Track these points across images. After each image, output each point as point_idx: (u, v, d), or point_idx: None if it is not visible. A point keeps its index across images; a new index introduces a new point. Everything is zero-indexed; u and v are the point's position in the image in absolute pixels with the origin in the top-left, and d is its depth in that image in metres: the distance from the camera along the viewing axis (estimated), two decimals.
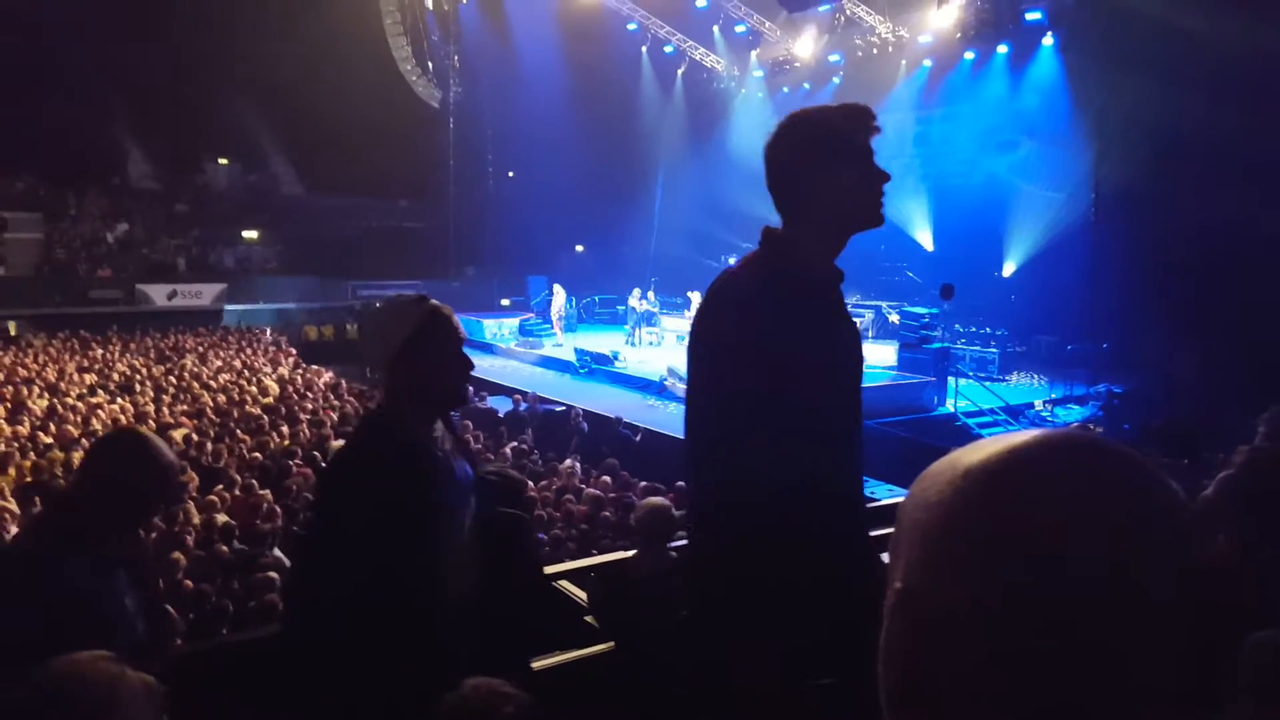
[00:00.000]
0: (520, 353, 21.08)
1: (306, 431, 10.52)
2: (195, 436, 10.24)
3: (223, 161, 32.29)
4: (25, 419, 11.19)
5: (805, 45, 22.95)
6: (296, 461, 8.96)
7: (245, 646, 2.69)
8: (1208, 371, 12.82)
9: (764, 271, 1.87)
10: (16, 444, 9.88)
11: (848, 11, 21.13)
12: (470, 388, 14.85)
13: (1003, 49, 19.23)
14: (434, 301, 2.12)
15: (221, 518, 7.00)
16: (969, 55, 19.76)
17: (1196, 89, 12.52)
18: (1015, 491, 0.59)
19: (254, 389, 13.90)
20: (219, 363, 17.23)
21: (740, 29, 23.86)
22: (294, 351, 20.38)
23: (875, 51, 21.84)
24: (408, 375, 2.04)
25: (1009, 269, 18.79)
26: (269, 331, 23.33)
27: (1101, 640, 0.55)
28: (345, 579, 1.90)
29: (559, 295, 21.06)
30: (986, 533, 0.58)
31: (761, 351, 1.74)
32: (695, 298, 20.29)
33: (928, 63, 20.82)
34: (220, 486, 7.99)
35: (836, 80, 23.18)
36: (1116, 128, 15.21)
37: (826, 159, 1.80)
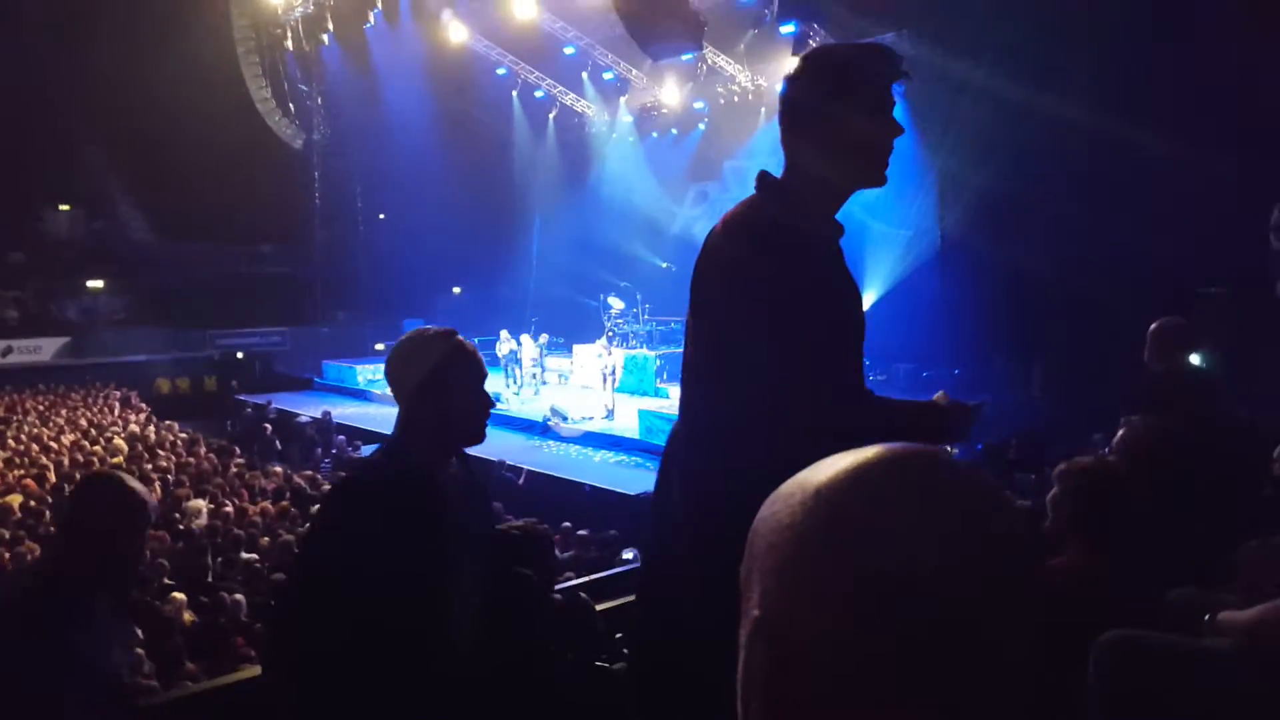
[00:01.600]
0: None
1: (158, 491, 9.76)
2: (34, 503, 9.35)
3: (64, 208, 30.31)
4: None
5: (671, 93, 23.50)
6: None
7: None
8: (1050, 391, 14.20)
9: (764, 222, 1.76)
10: None
11: (709, 61, 21.75)
12: (342, 436, 14.21)
13: None
14: (459, 336, 2.09)
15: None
16: None
17: (1007, 150, 14.24)
18: (857, 510, 0.59)
19: (99, 449, 12.89)
20: (62, 422, 15.94)
21: (608, 75, 24.21)
22: (145, 407, 19.12)
23: (736, 99, 22.58)
24: (428, 408, 2.01)
25: (867, 301, 19.55)
26: (118, 388, 21.84)
27: (949, 657, 0.55)
28: (340, 615, 1.80)
29: (507, 342, 20.04)
30: (834, 554, 0.58)
31: (763, 306, 1.66)
32: (578, 350, 20.27)
33: None
34: None
35: (702, 126, 23.89)
36: (953, 182, 16.64)
37: (840, 98, 1.68)
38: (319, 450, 14.17)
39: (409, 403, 2.04)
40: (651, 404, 16.37)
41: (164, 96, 24.74)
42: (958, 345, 16.36)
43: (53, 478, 10.79)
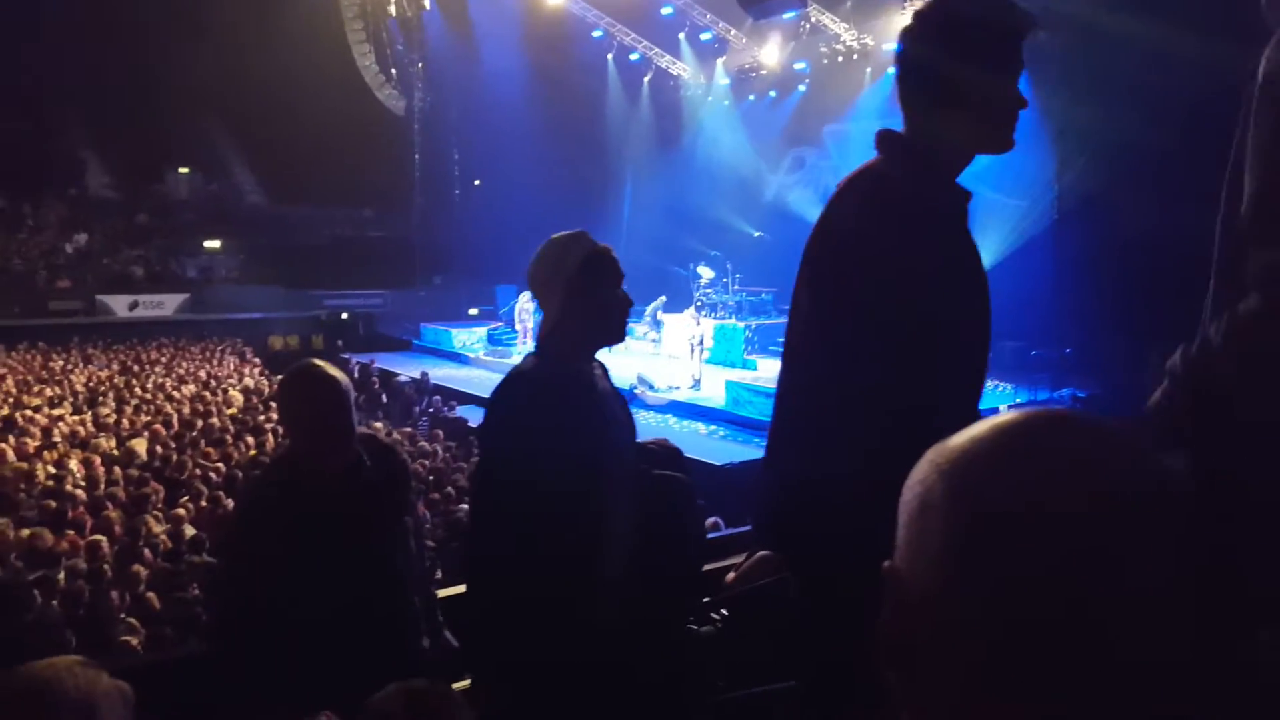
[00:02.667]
0: (490, 362, 21.02)
1: (271, 442, 10.45)
2: (159, 448, 10.14)
3: (183, 171, 31.93)
4: None
5: (771, 53, 23.15)
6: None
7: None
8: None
9: (889, 186, 1.64)
10: None
11: (813, 19, 21.35)
12: (439, 396, 14.69)
13: None
14: (596, 241, 2.19)
15: (189, 530, 6.94)
16: None
17: (1150, 106, 12.82)
18: (989, 471, 0.59)
19: (219, 400, 13.76)
20: (182, 373, 17.03)
21: (706, 36, 24.03)
22: (259, 362, 20.18)
23: (840, 59, 22.09)
24: (572, 308, 2.09)
25: None
26: (239, 342, 23.11)
27: (1092, 623, 0.55)
28: (514, 501, 1.94)
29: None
30: (960, 514, 0.59)
31: (879, 277, 1.54)
32: (666, 319, 20.38)
33: (892, 70, 20.95)
34: (186, 498, 7.92)
35: (802, 88, 23.42)
36: (1076, 138, 15.51)
37: (964, 56, 1.55)
38: (416, 409, 14.78)
39: (554, 304, 2.11)
40: (740, 375, 16.45)
41: (275, 64, 25.79)
42: (1071, 322, 15.58)
43: (176, 424, 11.62)
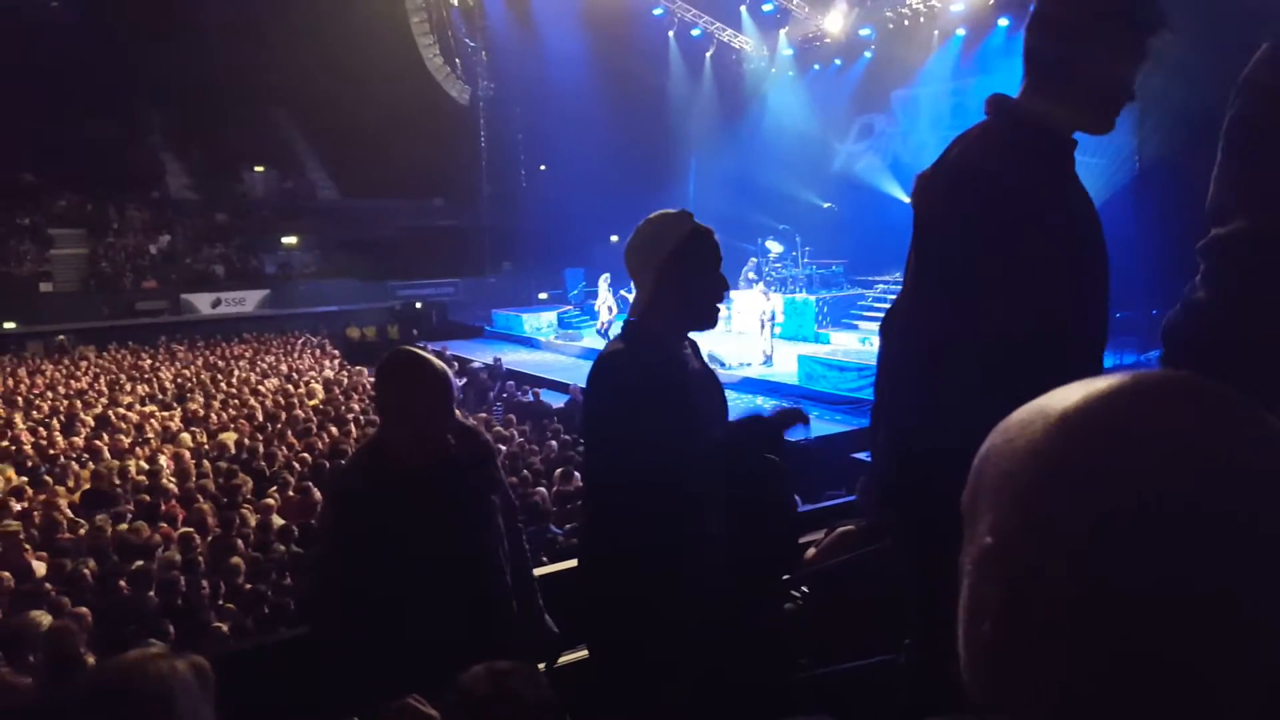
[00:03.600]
0: (561, 345, 21.19)
1: (355, 432, 10.70)
2: (246, 441, 10.47)
3: (259, 170, 32.80)
4: (80, 430, 11.51)
5: (835, 20, 22.72)
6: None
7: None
8: None
9: (1006, 143, 1.62)
10: (73, 455, 10.19)
11: None
12: (512, 381, 14.85)
13: None
14: (696, 221, 2.16)
15: (278, 520, 7.15)
16: (1003, 23, 19.43)
17: (1230, 62, 12.23)
18: (1106, 439, 0.56)
19: (301, 392, 14.17)
20: (265, 368, 17.58)
21: (768, 7, 23.70)
22: (337, 353, 20.71)
23: (906, 23, 21.57)
24: (668, 287, 2.09)
25: None
26: (320, 334, 23.76)
27: (1219, 592, 0.52)
28: (616, 484, 1.98)
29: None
30: (1078, 484, 0.56)
31: (1000, 229, 1.52)
32: (735, 295, 20.27)
33: (961, 32, 20.50)
34: (274, 489, 8.16)
35: (868, 54, 22.94)
36: (1154, 95, 14.90)
37: (1111, 32, 1.55)
38: (491, 394, 14.99)
39: (649, 284, 2.11)
40: (811, 349, 16.28)
41: (342, 61, 26.28)
42: (1155, 286, 15.09)
43: (261, 418, 12.00)
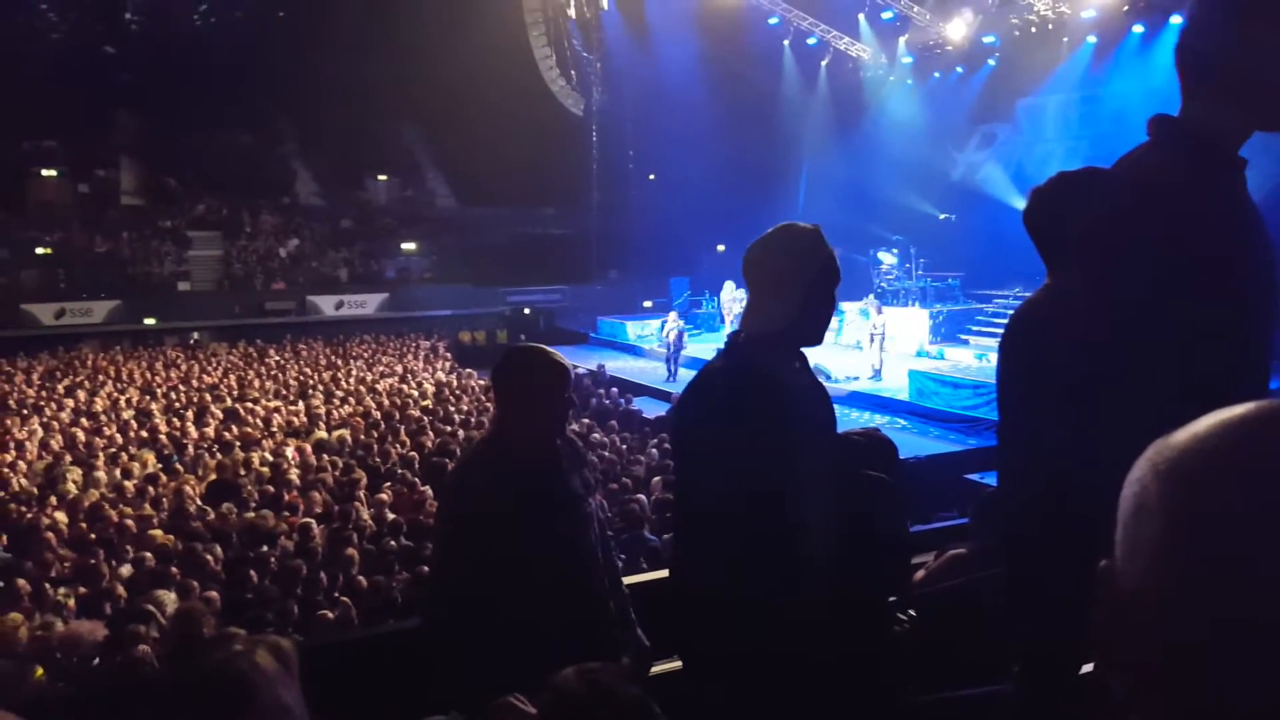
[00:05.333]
0: (665, 354, 21.24)
1: (462, 433, 10.98)
2: (361, 437, 10.87)
3: (381, 178, 34.08)
4: (210, 422, 12.17)
5: (957, 28, 22.15)
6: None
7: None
8: None
9: (1159, 173, 1.54)
10: (205, 445, 10.78)
11: None
12: (615, 389, 14.95)
13: (1176, 19, 18.00)
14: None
15: (390, 515, 7.40)
16: (1137, 29, 18.60)
17: None
18: (1200, 480, 0.54)
19: (414, 392, 14.63)
20: (382, 368, 18.23)
21: (888, 15, 23.27)
22: (449, 356, 21.30)
23: (1034, 30, 20.84)
24: (783, 301, 2.07)
25: None
26: (433, 337, 24.48)
27: (1263, 689, 0.51)
28: (715, 500, 1.97)
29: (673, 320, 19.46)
30: (1173, 518, 0.55)
31: (1152, 267, 1.45)
32: (847, 307, 19.98)
33: (1092, 39, 19.71)
34: (388, 484, 8.45)
35: (991, 62, 22.31)
36: None
37: (1269, 33, 1.44)
38: (594, 401, 15.15)
39: (794, 299, 2.06)
40: (924, 365, 15.89)
41: (462, 72, 27.08)
42: None
43: (377, 415, 12.44)
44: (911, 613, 2.64)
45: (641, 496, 7.68)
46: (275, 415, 12.54)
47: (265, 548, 6.47)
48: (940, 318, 18.56)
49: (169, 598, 5.04)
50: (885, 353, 16.52)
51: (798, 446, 2.00)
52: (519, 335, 25.79)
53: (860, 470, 2.26)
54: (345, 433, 11.11)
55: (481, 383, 16.25)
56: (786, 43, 25.51)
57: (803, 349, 2.18)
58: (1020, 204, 2.14)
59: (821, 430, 2.18)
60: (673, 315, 19.06)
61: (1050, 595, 1.68)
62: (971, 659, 2.38)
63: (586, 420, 12.31)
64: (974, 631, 2.35)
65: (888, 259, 20.23)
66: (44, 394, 15.02)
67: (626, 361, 21.33)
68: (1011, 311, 2.04)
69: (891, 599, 2.53)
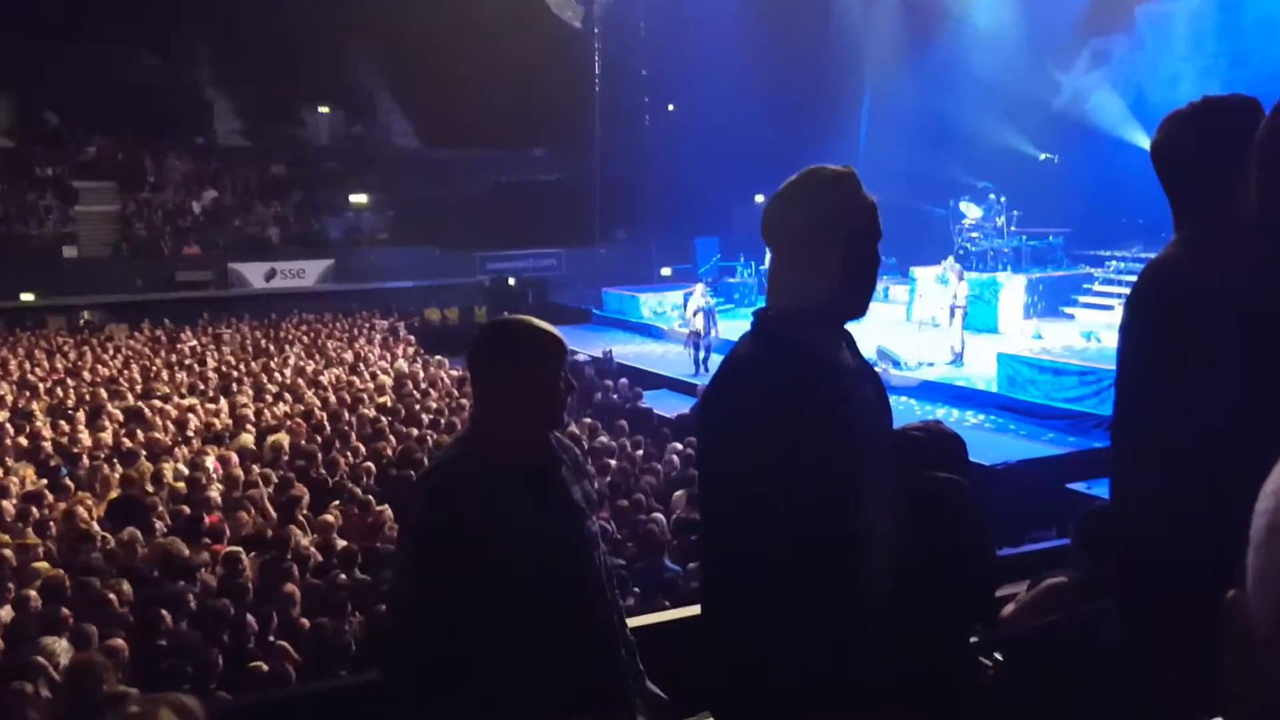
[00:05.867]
0: (688, 338, 21.20)
1: (432, 437, 11.02)
2: (303, 444, 10.93)
3: (323, 110, 33.86)
4: (107, 425, 12.21)
5: None
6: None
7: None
8: None
9: None
10: (101, 454, 10.83)
11: None
12: (625, 380, 14.92)
13: None
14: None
15: (340, 542, 7.46)
16: None
17: None
18: None
19: (369, 386, 14.70)
20: (330, 354, 18.34)
21: None
22: (413, 340, 21.36)
23: None
24: (855, 270, 2.10)
25: None
26: (392, 315, 24.48)
27: None
28: (749, 516, 1.99)
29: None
30: (1272, 553, 0.62)
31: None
32: (920, 274, 19.83)
33: None
34: (336, 504, 8.51)
35: None
36: None
37: None
38: (598, 396, 15.16)
39: (830, 262, 2.08)
40: (1016, 346, 15.85)
41: None
42: None
43: (321, 416, 12.48)
44: (998, 656, 2.67)
45: (659, 515, 7.72)
46: (191, 416, 12.61)
47: (182, 583, 6.53)
48: (1038, 286, 18.44)
49: (61, 647, 5.08)
50: (968, 331, 16.48)
51: (853, 449, 2.03)
52: (502, 313, 25.70)
53: (925, 473, 2.28)
54: (281, 438, 11.18)
55: (454, 373, 16.26)
56: None
57: (847, 325, 2.20)
58: (1143, 139, 2.15)
59: (878, 426, 2.20)
60: (699, 289, 18.82)
61: (1172, 634, 1.70)
62: (1072, 713, 2.41)
63: (589, 420, 12.34)
64: (1076, 679, 2.38)
65: (972, 212, 20.12)
66: None
67: (640, 345, 21.32)
68: (1135, 276, 2.04)
69: (973, 639, 2.55)
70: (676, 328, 21.89)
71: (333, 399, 13.69)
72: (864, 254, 2.11)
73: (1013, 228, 19.98)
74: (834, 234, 2.08)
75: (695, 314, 18.20)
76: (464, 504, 2.35)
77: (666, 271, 27.45)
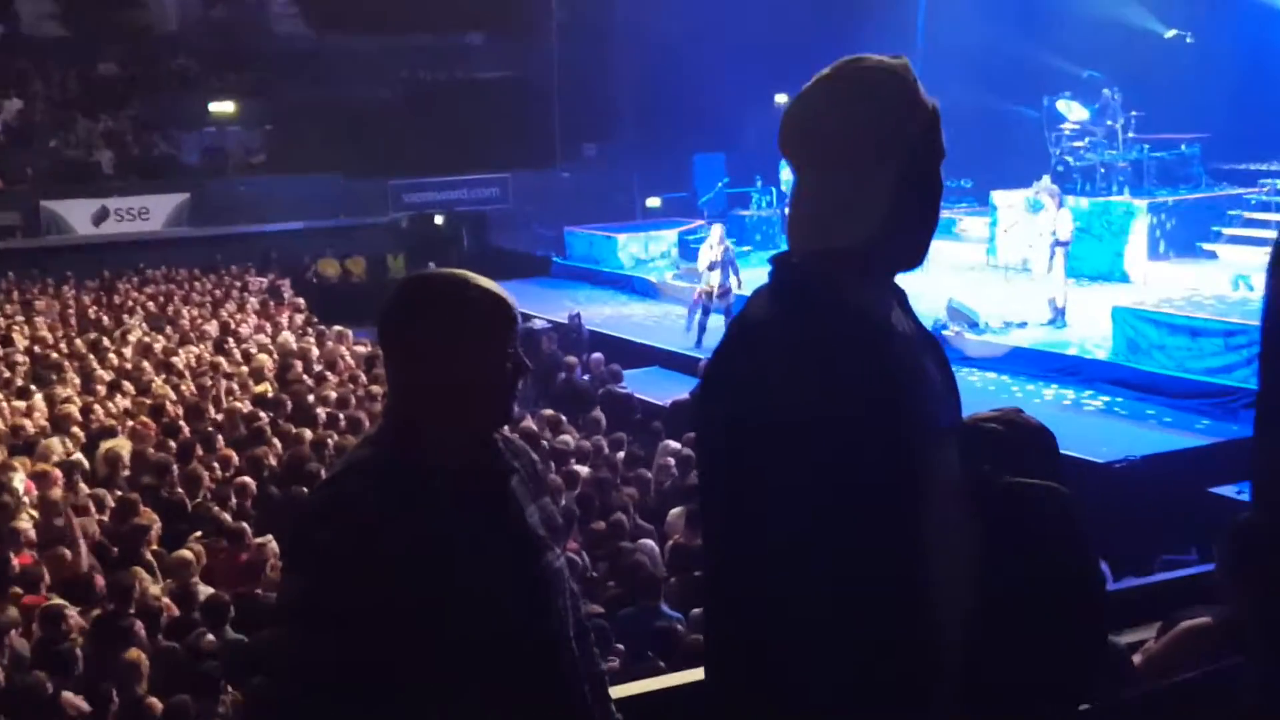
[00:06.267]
0: (686, 291, 21.13)
1: (332, 440, 10.97)
2: (151, 452, 10.86)
3: None
4: None
5: None
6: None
7: None
8: None
9: None
10: None
11: None
12: (599, 354, 14.98)
13: None
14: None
15: (204, 588, 7.41)
16: None
17: None
18: None
19: (242, 370, 14.63)
20: (184, 327, 18.23)
21: None
22: (301, 303, 21.36)
23: None
24: (877, 202, 2.07)
25: None
26: (272, 270, 24.36)
27: None
28: (767, 534, 1.99)
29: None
30: None
31: None
32: (1004, 200, 19.80)
33: None
34: (198, 534, 8.46)
35: None
36: None
37: None
38: (561, 376, 15.14)
39: (818, 186, 2.11)
40: (1137, 297, 15.89)
41: None
42: None
43: (174, 410, 12.41)
44: None
45: (648, 542, 7.72)
46: None
47: None
48: (1166, 215, 18.47)
49: None
50: (1073, 279, 16.49)
51: (915, 443, 2.01)
52: (426, 263, 25.64)
53: (1006, 478, 2.28)
54: (120, 445, 11.11)
55: (361, 349, 16.21)
56: None
57: (897, 276, 2.18)
58: None
59: (945, 416, 2.18)
60: (716, 232, 18.46)
61: None
62: None
63: (549, 412, 12.32)
64: None
65: (1074, 113, 20.12)
66: None
67: (619, 306, 21.39)
68: None
69: (1083, 706, 2.56)
70: (670, 280, 21.86)
71: (191, 389, 13.62)
72: (921, 178, 2.09)
73: (1131, 134, 19.92)
74: (880, 151, 2.05)
75: (711, 269, 17.76)
76: (374, 532, 2.28)
77: (654, 202, 27.36)
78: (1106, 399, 13.69)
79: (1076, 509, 2.34)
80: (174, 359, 15.47)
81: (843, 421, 1.92)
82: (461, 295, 2.44)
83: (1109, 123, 19.90)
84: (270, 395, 13.16)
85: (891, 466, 1.95)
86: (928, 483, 2.01)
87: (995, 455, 2.34)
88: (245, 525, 8.55)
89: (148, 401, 13.04)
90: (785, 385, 1.96)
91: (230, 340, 16.95)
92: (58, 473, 10.32)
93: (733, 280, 17.66)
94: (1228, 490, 9.39)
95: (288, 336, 17.28)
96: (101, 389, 13.84)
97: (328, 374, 14.50)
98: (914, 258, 2.16)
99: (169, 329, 18.14)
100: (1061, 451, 2.66)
